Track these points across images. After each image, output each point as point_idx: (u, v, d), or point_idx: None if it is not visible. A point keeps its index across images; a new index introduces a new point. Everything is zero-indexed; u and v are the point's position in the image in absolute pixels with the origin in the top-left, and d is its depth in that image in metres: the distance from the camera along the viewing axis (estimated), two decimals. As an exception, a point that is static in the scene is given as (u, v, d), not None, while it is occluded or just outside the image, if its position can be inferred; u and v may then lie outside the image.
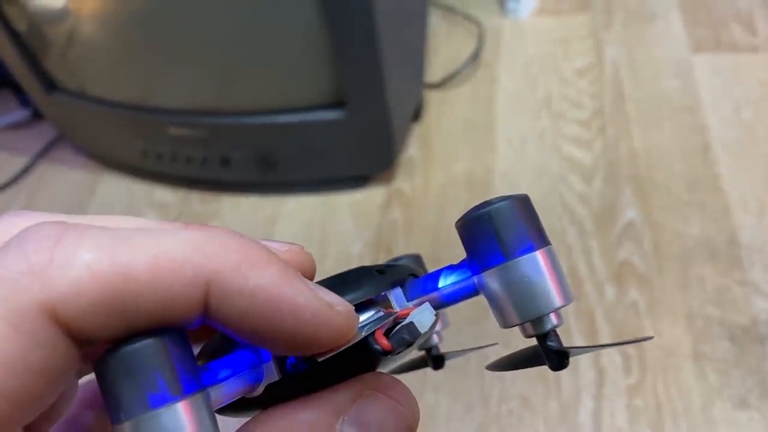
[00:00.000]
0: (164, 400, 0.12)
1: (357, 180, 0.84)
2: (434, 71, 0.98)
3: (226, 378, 0.14)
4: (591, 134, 0.86)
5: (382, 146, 0.79)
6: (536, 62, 0.98)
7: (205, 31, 0.72)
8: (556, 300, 0.16)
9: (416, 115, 0.91)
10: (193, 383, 0.13)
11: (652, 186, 0.78)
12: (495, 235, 0.16)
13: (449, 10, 1.08)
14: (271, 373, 0.15)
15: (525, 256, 0.15)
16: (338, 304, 0.14)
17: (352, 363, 0.15)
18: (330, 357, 0.14)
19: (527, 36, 1.02)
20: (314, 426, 0.14)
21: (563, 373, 0.63)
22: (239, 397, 0.15)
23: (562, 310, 0.16)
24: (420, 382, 0.65)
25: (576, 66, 0.96)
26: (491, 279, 0.16)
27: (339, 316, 0.14)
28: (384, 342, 0.15)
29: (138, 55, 0.77)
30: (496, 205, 0.16)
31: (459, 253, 0.23)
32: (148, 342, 0.12)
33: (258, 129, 0.78)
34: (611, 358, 0.64)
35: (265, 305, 0.13)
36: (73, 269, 0.12)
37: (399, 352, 0.15)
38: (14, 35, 0.79)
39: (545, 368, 0.16)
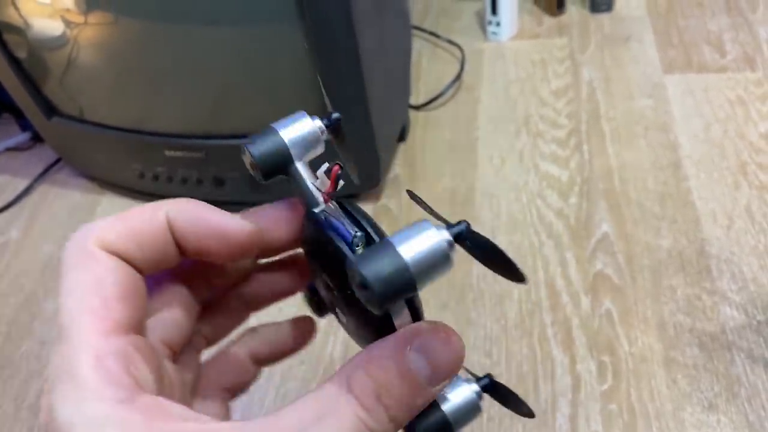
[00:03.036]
0: None
1: (345, 198, 0.88)
2: (419, 93, 1.02)
3: None
4: (567, 152, 0.90)
5: (368, 166, 0.82)
6: (516, 84, 1.02)
7: (199, 59, 0.75)
8: None
9: (402, 135, 0.95)
10: None
11: (625, 201, 0.82)
12: None
13: (433, 35, 1.12)
14: None
15: None
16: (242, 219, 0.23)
17: None
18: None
19: (507, 59, 1.07)
20: (388, 354, 0.19)
21: (540, 379, 0.67)
22: None
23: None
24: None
25: (553, 87, 1.00)
26: None
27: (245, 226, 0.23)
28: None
29: (134, 80, 0.80)
30: None
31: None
32: None
33: (250, 151, 0.82)
34: (586, 365, 0.67)
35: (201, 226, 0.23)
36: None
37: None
38: (15, 62, 0.82)
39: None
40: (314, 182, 0.24)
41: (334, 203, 0.23)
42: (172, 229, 0.22)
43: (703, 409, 0.63)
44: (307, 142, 0.24)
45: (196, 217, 0.22)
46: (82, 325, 0.19)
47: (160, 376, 0.21)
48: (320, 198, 0.23)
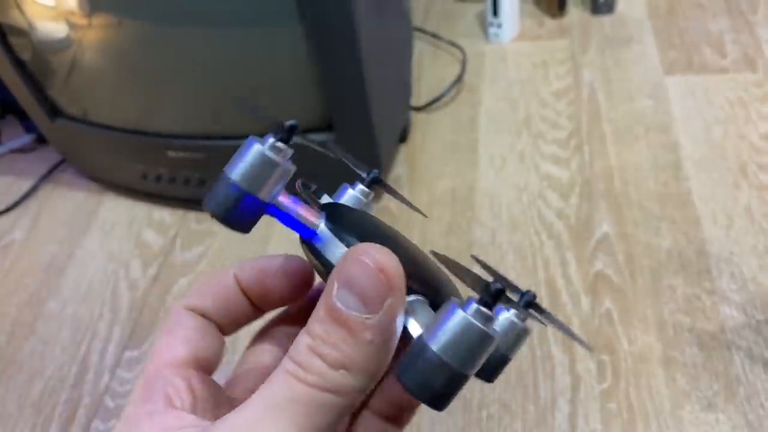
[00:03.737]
0: None
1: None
2: (420, 94, 1.03)
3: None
4: (568, 153, 0.90)
5: (369, 166, 0.83)
6: (517, 85, 1.02)
7: (201, 61, 0.76)
8: None
9: (403, 136, 0.95)
10: None
11: (626, 201, 0.83)
12: None
13: (434, 36, 1.13)
14: None
15: None
16: None
17: None
18: None
19: (508, 60, 1.07)
20: (320, 304, 0.18)
21: (540, 379, 0.67)
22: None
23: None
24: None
25: (554, 88, 1.01)
26: None
27: None
28: None
29: (138, 82, 0.81)
30: None
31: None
32: None
33: (251, 151, 0.82)
34: (586, 365, 0.68)
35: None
36: None
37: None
38: (19, 64, 0.83)
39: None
40: (300, 209, 0.21)
41: (324, 225, 0.21)
42: (240, 284, 0.24)
43: (702, 407, 0.63)
44: (272, 176, 0.19)
45: (254, 262, 0.24)
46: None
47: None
48: (314, 220, 0.21)
